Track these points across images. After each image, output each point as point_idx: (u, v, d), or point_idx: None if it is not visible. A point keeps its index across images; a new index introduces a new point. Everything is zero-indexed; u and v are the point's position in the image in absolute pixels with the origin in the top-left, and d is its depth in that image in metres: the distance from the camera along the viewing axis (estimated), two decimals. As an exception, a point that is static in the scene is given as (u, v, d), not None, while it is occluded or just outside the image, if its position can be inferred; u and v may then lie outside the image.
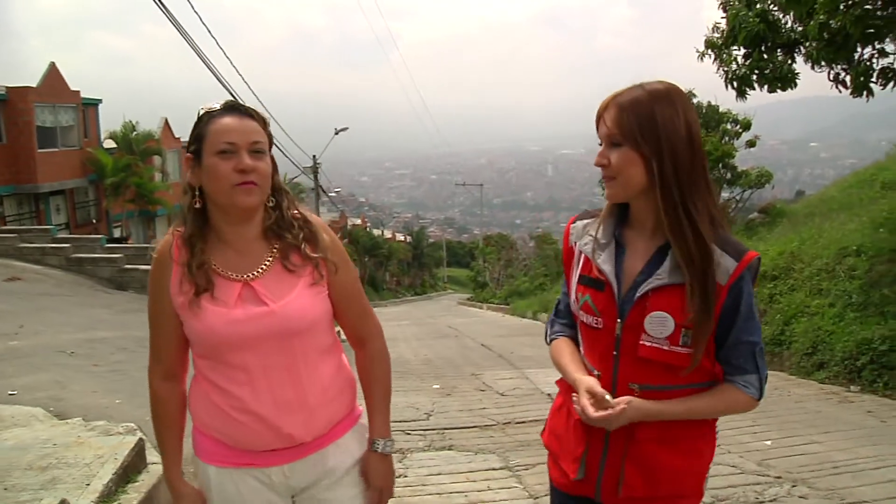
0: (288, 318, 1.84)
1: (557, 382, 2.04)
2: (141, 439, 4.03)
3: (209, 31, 13.26)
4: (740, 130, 14.51)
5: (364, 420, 2.06)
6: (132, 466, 3.78)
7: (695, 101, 14.84)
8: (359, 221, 64.28)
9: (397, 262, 60.02)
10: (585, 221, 1.93)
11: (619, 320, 1.77)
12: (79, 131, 27.00)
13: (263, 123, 1.88)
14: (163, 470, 2.03)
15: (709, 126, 14.42)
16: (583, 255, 1.88)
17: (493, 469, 4.54)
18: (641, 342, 1.74)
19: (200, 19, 12.75)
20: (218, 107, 1.85)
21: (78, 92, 26.88)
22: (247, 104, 1.90)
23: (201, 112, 1.86)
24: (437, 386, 7.59)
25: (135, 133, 28.08)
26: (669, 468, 1.80)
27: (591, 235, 1.87)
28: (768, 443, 4.94)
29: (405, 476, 4.45)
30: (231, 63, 14.86)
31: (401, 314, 26.76)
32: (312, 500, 1.96)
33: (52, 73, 25.55)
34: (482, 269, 41.70)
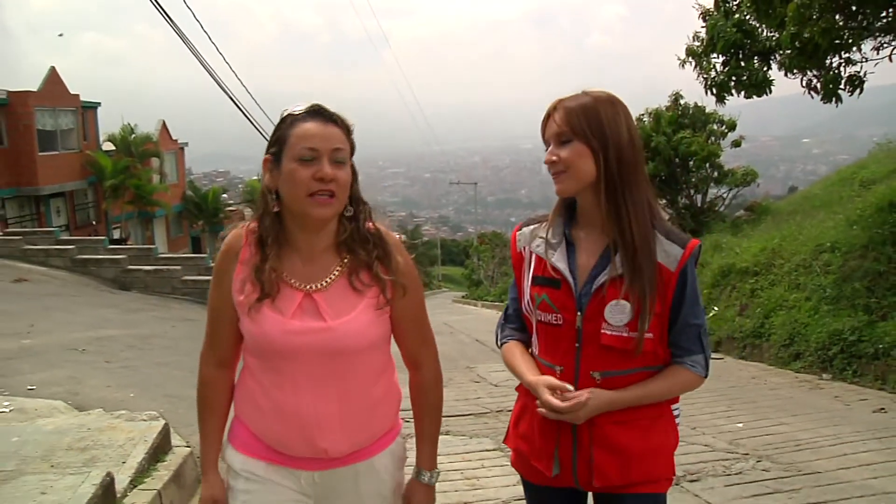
0: (344, 337, 1.81)
1: (517, 388, 2.11)
2: (166, 424, 4.42)
3: (205, 32, 13.22)
4: (726, 130, 14.91)
5: (403, 440, 2.04)
6: (161, 448, 4.17)
7: (681, 101, 15.25)
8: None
9: (392, 261, 60.26)
10: (532, 227, 2.03)
11: (578, 313, 1.86)
12: (78, 134, 27.40)
13: (347, 130, 1.83)
14: (201, 454, 2.01)
15: (695, 126, 14.83)
16: (534, 257, 1.97)
17: (487, 450, 4.95)
18: (603, 331, 1.83)
19: (197, 20, 12.73)
20: (302, 109, 1.80)
21: (77, 95, 27.28)
22: (332, 109, 1.83)
23: (284, 114, 1.82)
24: (434, 378, 8.00)
25: (133, 135, 28.47)
26: (638, 450, 1.87)
27: (541, 237, 1.96)
28: (740, 425, 5.36)
29: (407, 458, 4.87)
30: (227, 62, 14.66)
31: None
32: None
33: (53, 77, 25.95)
34: (477, 267, 41.93)
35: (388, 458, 1.95)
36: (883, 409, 5.59)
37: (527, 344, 2.06)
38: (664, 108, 15.19)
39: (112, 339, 9.53)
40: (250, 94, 17.19)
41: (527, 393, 2.00)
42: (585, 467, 1.89)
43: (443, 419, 5.72)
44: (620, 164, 1.80)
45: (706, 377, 1.89)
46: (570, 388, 1.82)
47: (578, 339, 1.86)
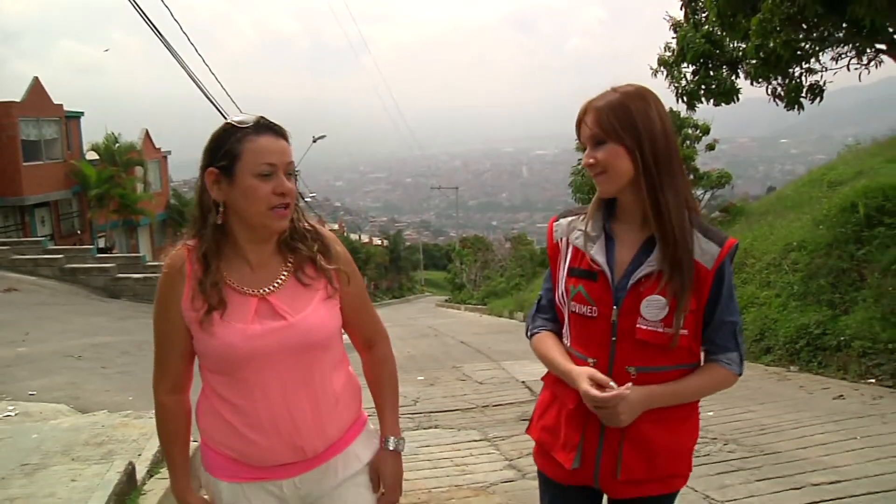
0: (307, 331, 1.85)
1: (544, 378, 2.12)
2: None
3: (188, 38, 13.18)
4: (700, 134, 15.35)
5: (370, 425, 2.08)
6: (171, 442, 4.47)
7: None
8: (336, 227, 64.40)
9: (375, 266, 60.18)
10: (569, 219, 2.03)
11: (615, 307, 1.85)
12: (62, 144, 27.42)
13: (289, 140, 1.87)
14: (171, 482, 2.01)
15: (670, 131, 15.28)
16: (570, 249, 1.96)
17: (474, 441, 5.29)
18: (638, 325, 1.83)
19: (180, 26, 12.68)
20: (251, 123, 1.81)
21: (61, 105, 27.32)
22: (275, 121, 1.87)
23: (229, 125, 1.82)
24: (422, 377, 8.32)
25: (117, 145, 28.51)
26: (665, 447, 1.88)
27: (580, 230, 1.95)
28: (711, 413, 5.72)
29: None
30: (210, 70, 14.64)
31: (381, 317, 27.24)
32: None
33: (36, 88, 26.00)
34: (459, 271, 42.12)
35: (361, 444, 2.00)
36: (842, 395, 5.99)
37: (559, 335, 2.05)
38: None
39: (106, 346, 9.74)
40: (233, 100, 17.22)
41: (555, 383, 2.02)
42: (611, 460, 1.89)
43: (432, 414, 6.11)
44: (656, 157, 1.81)
45: (741, 374, 1.91)
46: (613, 383, 1.81)
47: (613, 333, 1.86)
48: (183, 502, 1.97)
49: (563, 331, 2.02)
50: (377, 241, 69.12)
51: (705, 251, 1.81)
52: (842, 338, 7.08)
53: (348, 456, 1.95)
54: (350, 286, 1.97)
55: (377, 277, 62.66)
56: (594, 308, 1.88)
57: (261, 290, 1.85)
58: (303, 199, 34.88)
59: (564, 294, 1.96)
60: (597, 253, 1.88)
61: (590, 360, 1.89)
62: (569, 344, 1.98)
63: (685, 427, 1.93)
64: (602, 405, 1.79)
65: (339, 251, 1.97)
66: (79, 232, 28.80)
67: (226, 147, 1.78)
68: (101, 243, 27.81)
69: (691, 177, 15.53)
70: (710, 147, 15.56)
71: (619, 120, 1.80)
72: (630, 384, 1.79)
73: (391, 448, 2.04)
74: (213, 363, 1.86)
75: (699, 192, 15.98)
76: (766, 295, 8.87)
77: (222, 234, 1.85)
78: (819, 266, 8.29)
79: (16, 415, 5.49)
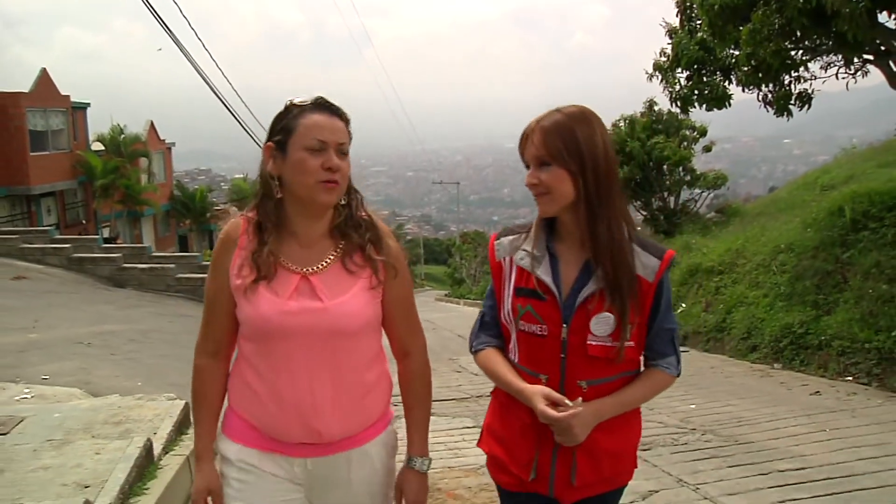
0: (339, 317, 1.86)
1: (493, 393, 2.15)
2: (187, 402, 5.02)
3: (191, 28, 13.21)
4: (697, 136, 15.64)
5: (393, 427, 2.08)
6: (184, 423, 4.74)
7: (655, 108, 15.95)
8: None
9: (376, 260, 60.34)
10: (511, 237, 2.05)
11: (564, 325, 1.88)
12: (68, 134, 27.80)
13: (348, 124, 1.91)
14: (195, 443, 2.02)
15: (668, 132, 15.54)
16: (515, 269, 1.98)
17: (467, 427, 5.59)
18: (589, 342, 1.87)
19: (184, 16, 12.75)
20: (308, 102, 1.86)
21: (68, 96, 27.67)
22: (334, 102, 1.90)
23: (289, 104, 1.87)
24: (420, 368, 8.63)
25: (122, 136, 28.85)
26: (614, 451, 1.96)
27: (525, 250, 1.97)
28: (693, 406, 6.04)
29: (396, 434, 5.51)
30: (213, 60, 14.69)
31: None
32: (331, 500, 1.97)
33: (44, 79, 26.34)
34: (459, 265, 42.33)
35: (379, 445, 1.99)
36: (818, 392, 6.29)
37: (503, 351, 2.07)
38: (639, 115, 15.89)
39: (114, 334, 9.96)
40: (235, 90, 17.31)
41: (505, 401, 2.05)
42: (566, 471, 1.94)
43: (428, 403, 6.39)
44: (598, 182, 1.85)
45: (678, 376, 2.00)
46: (567, 400, 1.85)
47: (563, 350, 1.89)
48: (200, 464, 1.98)
49: (510, 347, 2.03)
50: (378, 235, 69.20)
51: (646, 265, 1.88)
52: (823, 337, 7.39)
53: (364, 453, 1.95)
54: (396, 281, 1.98)
55: (377, 271, 62.73)
56: (544, 327, 1.91)
57: (305, 269, 1.88)
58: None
59: (511, 313, 1.98)
60: (543, 273, 1.91)
61: (541, 377, 1.93)
62: (517, 360, 2.00)
63: (629, 429, 2.01)
64: (557, 424, 1.84)
65: (391, 245, 1.99)
66: (84, 222, 29.16)
67: (283, 123, 1.85)
68: (106, 233, 28.13)
69: (688, 178, 15.80)
70: (707, 149, 15.85)
71: (565, 144, 1.84)
72: (580, 399, 1.85)
73: (416, 468, 2.04)
74: (248, 330, 1.90)
75: (696, 192, 16.21)
76: (754, 295, 9.16)
77: (279, 209, 1.90)
78: (805, 268, 8.56)
79: (31, 397, 5.76)
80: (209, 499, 1.97)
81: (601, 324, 1.85)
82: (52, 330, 9.94)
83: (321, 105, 1.86)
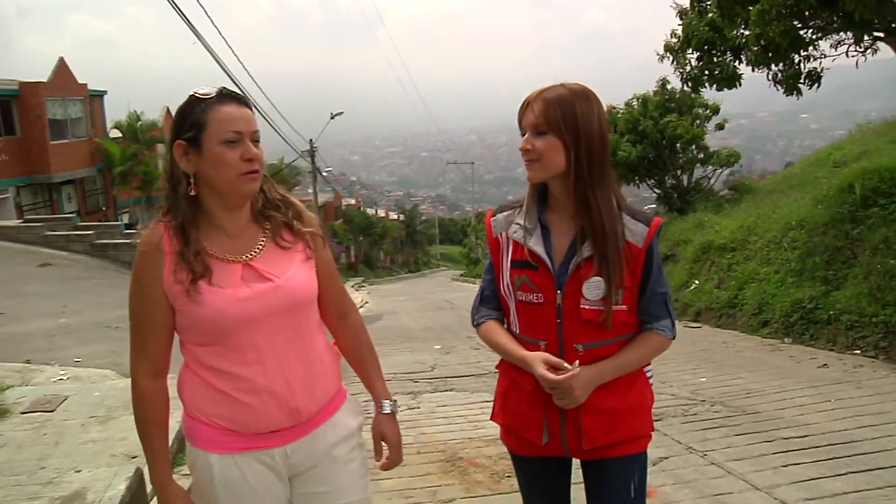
0: (294, 291, 1.89)
1: (498, 367, 2.23)
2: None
3: (206, 13, 13.49)
4: (710, 114, 15.67)
5: (350, 395, 2.11)
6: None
7: (668, 87, 15.99)
8: (353, 201, 64.79)
9: (391, 241, 60.58)
10: (505, 213, 2.13)
11: (558, 291, 1.96)
12: (87, 122, 28.15)
13: (253, 111, 1.91)
14: (150, 472, 1.95)
15: (681, 110, 15.58)
16: (511, 242, 2.06)
17: (486, 401, 5.81)
18: (581, 306, 1.95)
19: (198, 2, 12.70)
20: (213, 94, 1.82)
21: (85, 85, 28.02)
22: (237, 90, 1.90)
23: (193, 98, 1.82)
24: (438, 346, 8.88)
25: (139, 123, 29.18)
26: (619, 411, 2.02)
27: (518, 224, 2.05)
28: (703, 379, 6.24)
29: (418, 408, 5.76)
30: (227, 44, 15.11)
31: (397, 291, 27.98)
32: (314, 478, 1.97)
33: (62, 68, 26.67)
34: (474, 245, 42.50)
35: (343, 413, 2.03)
36: (826, 365, 6.46)
37: (503, 323, 2.17)
38: (651, 93, 15.93)
39: (140, 317, 10.37)
40: (249, 73, 17.49)
41: (511, 369, 2.12)
42: (574, 432, 2.01)
43: (448, 379, 6.68)
44: (590, 158, 1.92)
45: (674, 338, 2.06)
46: (566, 364, 1.93)
47: (559, 315, 1.97)
48: (165, 491, 1.92)
49: (511, 319, 2.11)
50: (393, 216, 69.35)
51: (635, 232, 1.95)
52: (831, 312, 7.53)
53: (336, 423, 1.99)
54: (325, 250, 2.04)
55: (393, 252, 63.14)
56: (540, 295, 1.99)
57: (243, 257, 1.88)
58: (320, 173, 35.34)
59: (510, 285, 2.06)
60: (535, 244, 2.00)
61: (541, 343, 2.01)
62: (517, 331, 2.08)
63: (633, 390, 2.07)
64: (558, 387, 1.93)
65: (311, 217, 2.04)
66: (104, 208, 29.60)
67: (192, 118, 1.80)
68: (126, 219, 28.54)
69: (701, 155, 15.85)
70: (720, 126, 15.86)
71: (563, 116, 1.91)
72: (578, 362, 1.93)
73: (388, 411, 2.11)
74: (201, 336, 1.85)
75: (709, 170, 16.24)
76: (765, 271, 9.30)
77: (196, 206, 1.86)
78: (816, 244, 8.67)
79: (67, 378, 6.05)
80: None
81: (592, 288, 1.93)
82: (81, 314, 10.28)
83: (228, 96, 1.84)
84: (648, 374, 2.15)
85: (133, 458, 3.53)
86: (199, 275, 1.79)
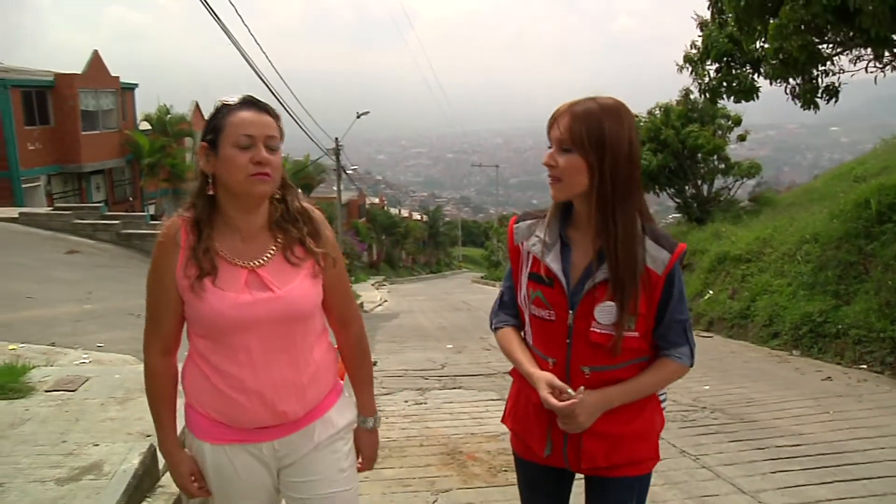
0: (292, 303, 1.95)
1: (511, 372, 2.21)
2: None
3: (235, 10, 13.59)
4: (732, 125, 15.69)
5: (346, 393, 2.20)
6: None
7: (691, 97, 16.02)
8: (377, 200, 65.06)
9: (413, 241, 60.73)
10: (528, 222, 2.09)
11: (570, 311, 1.93)
12: (118, 114, 28.72)
13: (277, 119, 1.96)
14: (158, 441, 2.09)
15: (703, 121, 15.61)
16: (531, 255, 2.02)
17: (492, 400, 5.98)
18: (592, 329, 1.90)
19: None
20: (236, 101, 1.91)
21: (117, 77, 28.55)
22: (263, 99, 1.96)
23: (218, 104, 1.92)
24: (451, 346, 9.05)
25: (169, 116, 29.68)
26: (623, 437, 1.99)
27: (538, 237, 2.01)
28: (707, 387, 6.34)
29: (425, 403, 5.93)
30: (256, 42, 15.14)
31: (417, 291, 28.17)
32: (300, 468, 2.05)
33: (95, 61, 27.24)
34: (496, 248, 42.54)
35: (335, 412, 2.11)
36: (829, 377, 6.54)
37: (520, 330, 2.15)
38: (674, 103, 15.97)
39: (162, 306, 10.62)
40: (276, 69, 17.70)
41: (521, 380, 2.12)
42: (574, 450, 2.01)
43: (457, 377, 6.84)
44: (615, 178, 1.84)
45: (692, 366, 2.02)
46: (570, 390, 1.90)
47: (569, 336, 1.94)
48: (172, 458, 2.05)
49: (525, 329, 2.11)
50: (416, 216, 69.53)
51: (656, 258, 1.89)
52: (840, 326, 7.60)
53: (325, 422, 2.06)
54: (335, 269, 2.09)
55: (415, 252, 63.26)
56: (552, 312, 1.96)
57: (251, 263, 1.95)
58: (345, 171, 35.60)
59: (526, 297, 2.04)
60: (552, 261, 1.96)
61: (549, 360, 1.99)
62: (531, 342, 2.08)
63: (641, 417, 2.02)
64: (560, 412, 1.90)
65: (328, 236, 2.08)
66: (131, 199, 30.10)
67: (213, 122, 1.91)
68: (152, 210, 29.03)
69: (722, 166, 15.86)
70: (742, 138, 15.86)
71: (589, 133, 1.83)
72: (583, 388, 1.90)
73: (369, 426, 2.22)
74: (201, 328, 1.94)
75: (730, 180, 16.23)
76: (778, 283, 9.35)
77: (213, 205, 1.95)
78: (829, 258, 8.72)
79: (89, 362, 6.27)
80: (193, 481, 2.06)
81: (604, 313, 1.88)
82: (105, 301, 10.54)
83: (248, 102, 1.92)
84: (662, 398, 2.13)
85: (147, 436, 3.71)
86: (205, 272, 1.89)
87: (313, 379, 2.02)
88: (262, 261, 1.96)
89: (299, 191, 2.08)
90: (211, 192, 1.92)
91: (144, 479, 3.18)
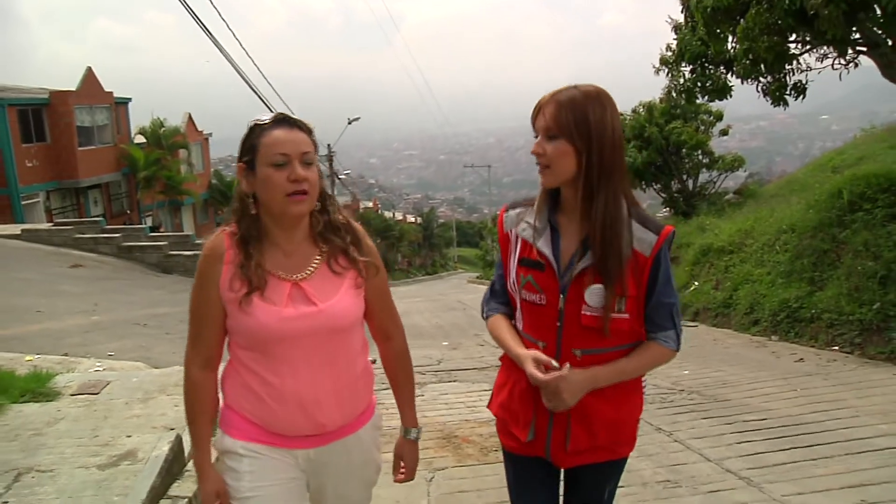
0: (334, 317, 1.98)
1: (501, 359, 2.24)
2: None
3: (222, 18, 13.81)
4: (714, 120, 16.14)
5: (378, 411, 2.24)
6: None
7: (673, 94, 16.45)
8: (370, 204, 65.33)
9: (408, 244, 60.89)
10: (517, 210, 2.12)
11: (561, 295, 1.95)
12: (112, 129, 29.18)
13: (310, 133, 1.98)
14: (193, 455, 2.11)
15: (686, 117, 16.06)
16: (520, 240, 2.05)
17: (484, 390, 6.34)
18: (583, 312, 1.93)
19: (215, 7, 13.05)
20: (268, 120, 1.94)
21: (111, 93, 29.01)
22: (296, 116, 1.98)
23: (251, 124, 1.95)
24: (446, 343, 9.44)
25: (163, 129, 30.12)
26: (607, 419, 2.02)
27: (527, 222, 2.04)
28: (686, 372, 6.74)
29: (422, 396, 6.32)
30: (243, 48, 15.33)
31: (413, 292, 28.46)
32: (329, 474, 2.11)
33: (89, 77, 27.73)
34: (491, 248, 42.81)
35: (370, 429, 2.16)
36: (802, 359, 6.96)
37: (510, 318, 2.18)
38: (658, 101, 16.40)
39: (167, 315, 10.91)
40: (265, 77, 17.83)
41: (510, 366, 2.15)
42: (561, 434, 2.04)
43: (452, 371, 7.28)
44: (601, 163, 1.88)
45: (678, 350, 2.04)
46: (555, 363, 1.93)
47: (560, 319, 1.96)
48: (203, 473, 2.07)
49: (517, 315, 2.14)
50: (411, 219, 69.63)
51: (643, 240, 1.92)
52: (814, 311, 8.00)
53: (358, 438, 2.11)
54: (377, 278, 2.12)
55: (411, 254, 63.37)
56: (543, 296, 1.99)
57: (294, 276, 1.98)
58: (336, 177, 35.87)
59: (515, 282, 2.07)
60: (543, 245, 1.99)
61: (540, 344, 2.02)
62: (521, 328, 2.11)
63: (628, 402, 2.08)
64: (544, 387, 1.94)
65: (369, 245, 2.12)
66: (128, 212, 30.53)
67: (248, 143, 1.95)
68: (149, 222, 29.43)
69: (706, 160, 16.29)
70: (724, 132, 16.34)
71: (575, 120, 1.88)
72: (568, 364, 1.93)
73: (412, 438, 2.27)
74: (245, 340, 1.99)
75: (714, 174, 16.64)
76: (758, 273, 9.74)
77: (256, 223, 1.98)
78: (805, 247, 9.10)
79: (103, 370, 6.63)
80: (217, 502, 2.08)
81: (594, 295, 1.91)
82: (111, 312, 10.88)
83: (281, 120, 1.95)
84: (644, 386, 2.16)
85: (171, 429, 4.12)
86: (254, 287, 1.93)
87: (353, 392, 2.08)
88: (305, 273, 2.00)
89: (338, 200, 2.15)
90: (254, 212, 1.98)
91: (174, 464, 3.58)
